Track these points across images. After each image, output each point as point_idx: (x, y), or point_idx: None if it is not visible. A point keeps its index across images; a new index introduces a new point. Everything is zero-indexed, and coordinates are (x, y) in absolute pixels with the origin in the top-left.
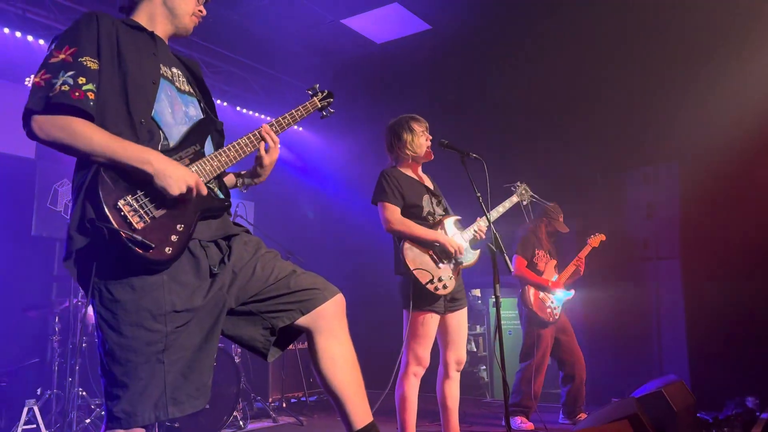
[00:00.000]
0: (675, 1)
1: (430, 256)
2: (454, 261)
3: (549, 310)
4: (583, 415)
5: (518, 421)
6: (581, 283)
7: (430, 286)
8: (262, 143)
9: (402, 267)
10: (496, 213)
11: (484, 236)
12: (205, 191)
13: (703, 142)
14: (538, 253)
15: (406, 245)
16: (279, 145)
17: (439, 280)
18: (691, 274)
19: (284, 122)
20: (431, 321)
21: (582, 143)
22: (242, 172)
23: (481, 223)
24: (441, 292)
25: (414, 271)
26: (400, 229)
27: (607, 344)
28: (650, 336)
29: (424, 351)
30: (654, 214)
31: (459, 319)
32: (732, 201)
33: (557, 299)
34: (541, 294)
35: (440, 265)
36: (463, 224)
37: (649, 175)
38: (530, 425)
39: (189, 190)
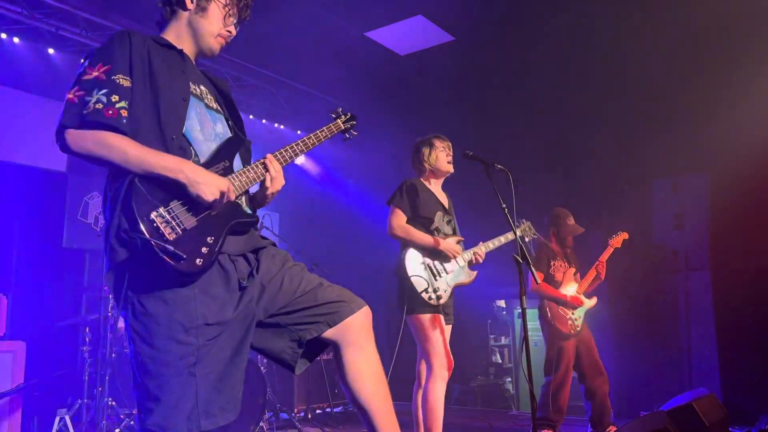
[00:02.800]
0: (706, 10)
1: (430, 267)
2: (451, 276)
3: (570, 322)
4: (612, 428)
5: None
6: (610, 295)
7: (424, 295)
8: (268, 174)
9: (401, 271)
10: (492, 245)
11: (481, 261)
12: (233, 197)
13: (734, 152)
14: (554, 264)
15: (410, 252)
16: (281, 175)
17: (434, 290)
18: (721, 286)
19: (309, 142)
20: (435, 321)
21: (610, 153)
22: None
23: (481, 248)
24: (434, 302)
25: (411, 278)
26: (400, 234)
27: (636, 356)
28: (680, 348)
29: (442, 349)
30: (683, 225)
31: (445, 334)
32: (763, 212)
33: (578, 310)
34: (561, 306)
35: (437, 277)
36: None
37: (677, 185)
38: None
39: (222, 195)
